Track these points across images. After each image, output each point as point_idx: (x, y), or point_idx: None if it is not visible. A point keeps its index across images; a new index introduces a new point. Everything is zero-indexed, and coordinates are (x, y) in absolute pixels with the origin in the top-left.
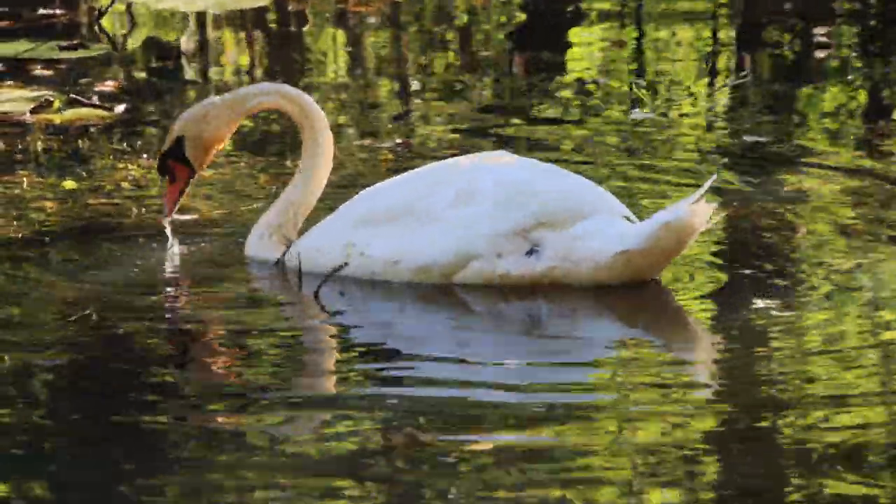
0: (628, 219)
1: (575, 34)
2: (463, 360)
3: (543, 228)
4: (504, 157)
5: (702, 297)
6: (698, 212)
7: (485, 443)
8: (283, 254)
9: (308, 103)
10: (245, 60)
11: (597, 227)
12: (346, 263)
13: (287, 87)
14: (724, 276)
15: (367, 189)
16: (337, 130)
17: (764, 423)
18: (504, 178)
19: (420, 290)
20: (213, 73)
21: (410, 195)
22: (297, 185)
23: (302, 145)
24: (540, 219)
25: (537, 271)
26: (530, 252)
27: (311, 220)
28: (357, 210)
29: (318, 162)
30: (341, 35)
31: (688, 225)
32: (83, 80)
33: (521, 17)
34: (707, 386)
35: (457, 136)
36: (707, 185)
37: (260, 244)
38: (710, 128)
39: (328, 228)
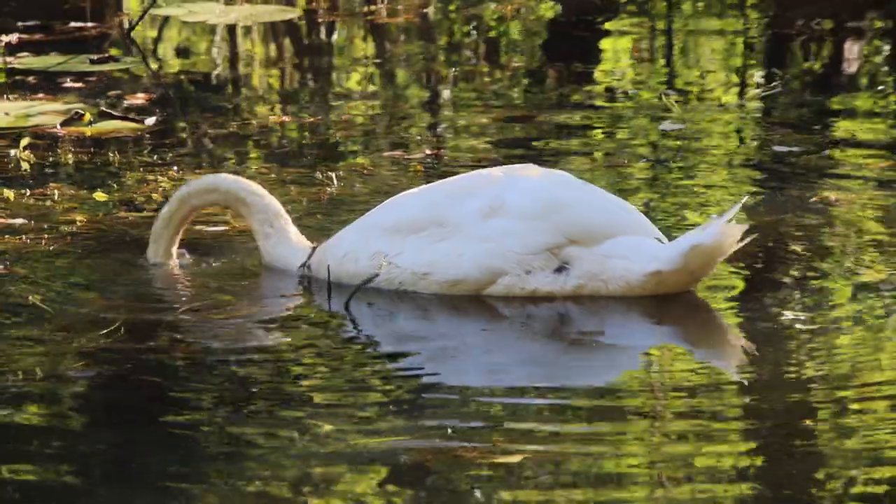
0: (658, 239)
1: (605, 44)
2: (493, 368)
3: (572, 246)
4: (532, 170)
5: (732, 306)
6: (728, 233)
7: (516, 453)
8: (308, 257)
9: (246, 192)
10: (275, 71)
11: (627, 245)
12: (377, 274)
13: (225, 180)
14: (752, 285)
15: (396, 197)
16: (367, 142)
17: (797, 432)
18: (534, 192)
19: (449, 297)
20: (242, 85)
21: (440, 206)
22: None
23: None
24: (569, 236)
25: (567, 289)
26: (559, 269)
27: (340, 224)
28: (386, 218)
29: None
30: (371, 46)
31: (718, 246)
32: (114, 93)
33: (552, 27)
34: (741, 391)
35: (488, 146)
36: (737, 206)
37: (278, 250)
38: (740, 138)
39: (356, 235)
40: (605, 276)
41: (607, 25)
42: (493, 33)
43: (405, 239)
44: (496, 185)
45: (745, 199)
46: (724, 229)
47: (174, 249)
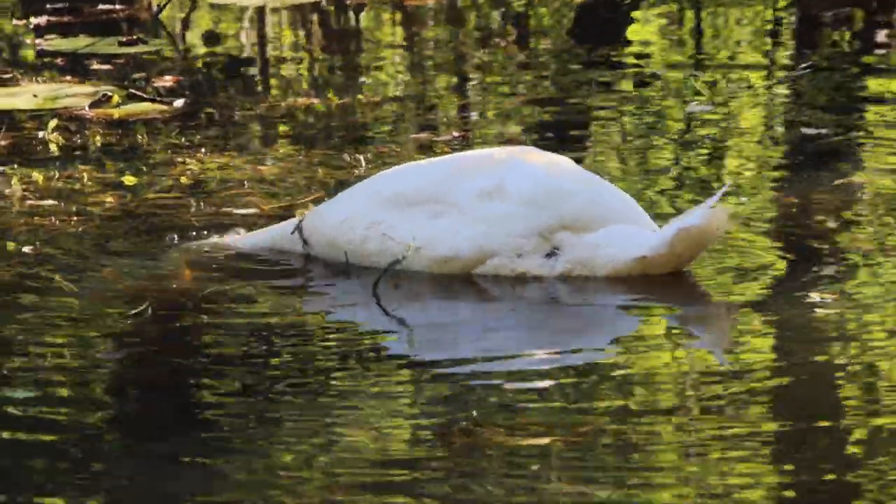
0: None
1: (632, 27)
2: (519, 354)
3: (565, 231)
4: (533, 154)
5: (757, 289)
6: (714, 217)
7: (541, 437)
8: (298, 223)
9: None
10: (304, 54)
11: (616, 233)
12: (403, 257)
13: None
14: (778, 267)
15: (396, 168)
16: (395, 124)
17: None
18: (533, 177)
19: (476, 282)
20: (270, 67)
21: (439, 182)
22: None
23: None
24: (564, 223)
25: (555, 273)
26: (550, 254)
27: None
28: (385, 188)
29: None
30: (399, 29)
31: (704, 231)
32: (142, 75)
33: (580, 10)
34: (767, 374)
35: (515, 129)
36: (722, 191)
37: (258, 235)
38: (769, 120)
39: (355, 201)
40: (593, 263)
41: (635, 6)
42: (520, 16)
43: (402, 212)
44: (497, 167)
45: (728, 185)
46: (710, 213)
47: None
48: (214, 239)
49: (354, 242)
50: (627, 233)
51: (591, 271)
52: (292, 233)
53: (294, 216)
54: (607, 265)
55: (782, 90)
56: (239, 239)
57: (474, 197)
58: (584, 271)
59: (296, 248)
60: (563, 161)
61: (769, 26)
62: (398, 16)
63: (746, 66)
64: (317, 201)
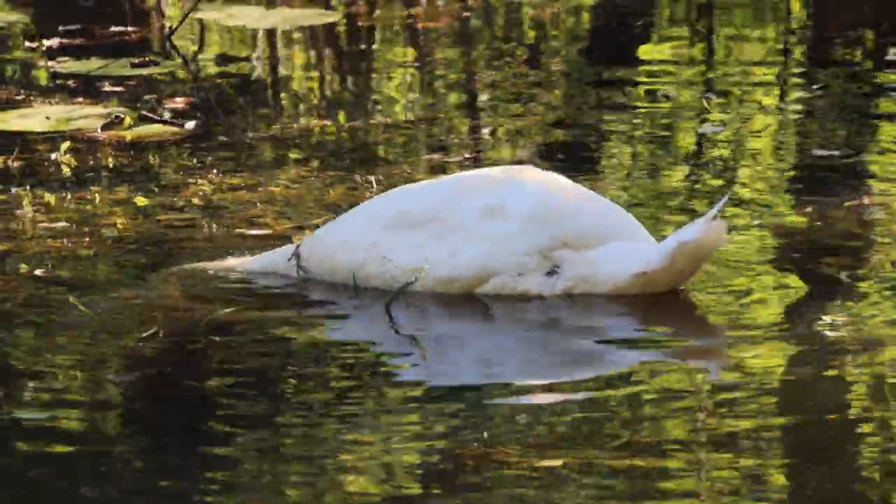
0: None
1: (644, 48)
2: (534, 374)
3: (565, 249)
4: (531, 172)
5: (766, 309)
6: (713, 230)
7: (555, 457)
8: (296, 249)
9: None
10: (315, 76)
11: (616, 249)
12: (415, 279)
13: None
14: (789, 288)
15: (398, 189)
16: (406, 145)
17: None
18: (534, 196)
19: (488, 302)
20: (282, 88)
21: (439, 203)
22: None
23: None
24: (565, 240)
25: (556, 291)
26: (551, 272)
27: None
28: (385, 209)
29: None
30: (410, 49)
31: (703, 244)
32: (154, 97)
33: (590, 30)
34: (782, 393)
35: (526, 150)
36: (721, 203)
37: (256, 262)
38: (780, 141)
39: (355, 224)
40: (594, 279)
41: (648, 27)
42: (532, 35)
43: (402, 233)
44: (497, 186)
45: (727, 197)
46: (708, 226)
47: None
48: (208, 263)
49: (354, 265)
50: (627, 249)
51: (593, 288)
52: (290, 259)
53: (305, 234)
54: (608, 282)
55: (795, 110)
56: (234, 264)
57: (475, 216)
58: (586, 288)
59: (291, 273)
60: (561, 179)
61: (782, 46)
62: (409, 37)
63: (759, 87)
64: (326, 223)
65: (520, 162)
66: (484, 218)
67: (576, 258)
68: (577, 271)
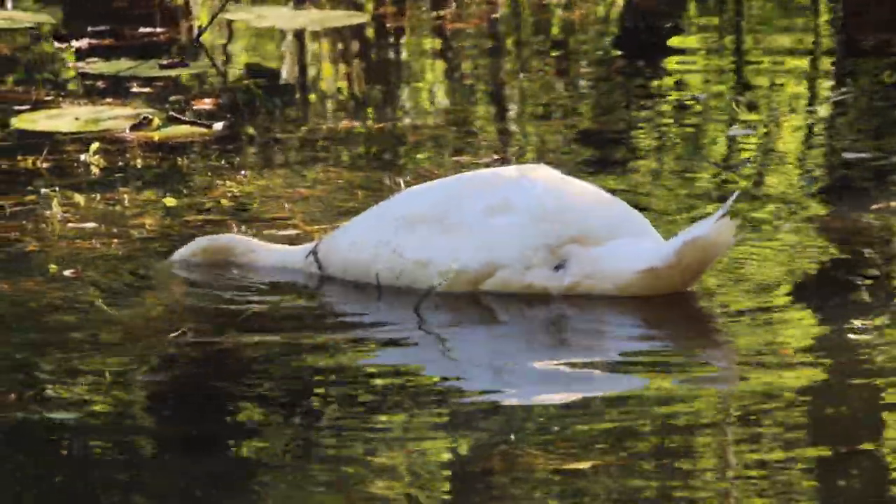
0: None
1: (673, 50)
2: (558, 375)
3: (572, 244)
4: (543, 171)
5: (794, 313)
6: (722, 229)
7: (583, 459)
8: (313, 248)
9: (225, 238)
10: (343, 77)
11: (624, 245)
12: (440, 283)
13: (205, 240)
14: (817, 292)
15: (410, 189)
16: (434, 147)
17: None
18: (542, 191)
19: (513, 303)
20: (311, 90)
21: (448, 200)
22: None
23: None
24: (573, 235)
25: (562, 286)
26: (558, 267)
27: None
28: (396, 209)
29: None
30: (439, 51)
31: (712, 243)
32: (182, 98)
33: (619, 32)
34: (809, 395)
35: (554, 152)
36: (730, 202)
37: (274, 257)
38: (809, 144)
39: (365, 225)
40: (600, 274)
41: (675, 34)
42: (561, 38)
43: (410, 231)
44: (506, 183)
45: (735, 195)
46: (717, 225)
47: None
48: (230, 237)
49: (365, 263)
50: (635, 245)
51: (600, 283)
52: (307, 257)
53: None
54: (614, 277)
55: (824, 114)
56: (254, 245)
57: (482, 212)
58: (593, 283)
59: (308, 270)
60: (571, 178)
61: (811, 50)
62: (438, 39)
63: (788, 90)
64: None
65: (547, 164)
66: (492, 213)
67: (583, 254)
68: (584, 266)
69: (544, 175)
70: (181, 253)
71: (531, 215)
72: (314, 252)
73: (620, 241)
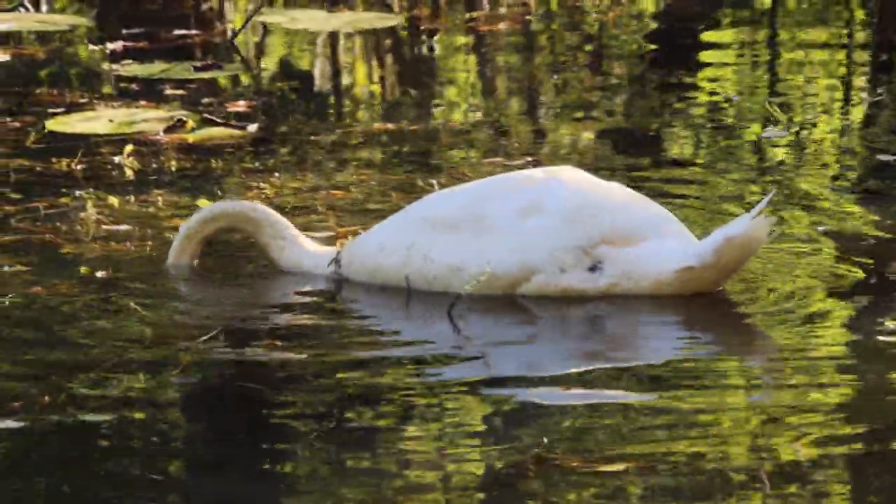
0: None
1: (707, 51)
2: (593, 380)
3: (605, 245)
4: (572, 172)
5: (826, 316)
6: (759, 226)
7: (619, 461)
8: (336, 255)
9: (250, 209)
10: (377, 80)
11: (659, 245)
12: (478, 281)
13: (230, 205)
14: (851, 294)
15: (437, 192)
16: (467, 149)
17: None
18: (573, 192)
19: (548, 305)
20: (344, 92)
21: (478, 203)
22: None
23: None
24: (605, 236)
25: (599, 287)
26: (593, 268)
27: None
28: (424, 212)
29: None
30: (473, 53)
31: (749, 240)
32: (216, 100)
33: (654, 35)
34: (840, 395)
35: (586, 154)
36: (766, 199)
37: (298, 256)
38: (843, 147)
39: (392, 229)
40: (636, 274)
41: (709, 35)
42: (595, 38)
43: (440, 234)
44: (536, 185)
45: (773, 193)
46: (754, 223)
47: (195, 260)
48: (254, 204)
49: (396, 267)
50: (671, 245)
51: (636, 284)
52: (329, 265)
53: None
54: (652, 277)
55: (858, 115)
56: (276, 220)
57: (514, 214)
58: (629, 284)
59: (329, 274)
60: (598, 179)
61: (845, 50)
62: (471, 40)
63: (822, 91)
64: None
65: (579, 165)
66: (523, 216)
67: (618, 254)
68: (620, 267)
69: (572, 176)
70: (188, 226)
71: (562, 217)
72: (336, 261)
73: (654, 240)
